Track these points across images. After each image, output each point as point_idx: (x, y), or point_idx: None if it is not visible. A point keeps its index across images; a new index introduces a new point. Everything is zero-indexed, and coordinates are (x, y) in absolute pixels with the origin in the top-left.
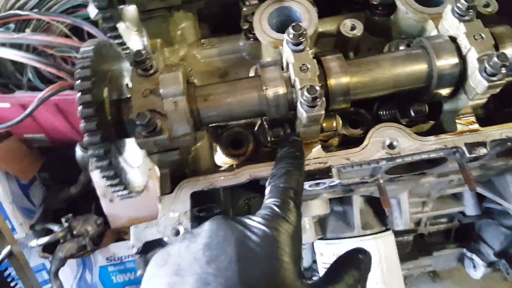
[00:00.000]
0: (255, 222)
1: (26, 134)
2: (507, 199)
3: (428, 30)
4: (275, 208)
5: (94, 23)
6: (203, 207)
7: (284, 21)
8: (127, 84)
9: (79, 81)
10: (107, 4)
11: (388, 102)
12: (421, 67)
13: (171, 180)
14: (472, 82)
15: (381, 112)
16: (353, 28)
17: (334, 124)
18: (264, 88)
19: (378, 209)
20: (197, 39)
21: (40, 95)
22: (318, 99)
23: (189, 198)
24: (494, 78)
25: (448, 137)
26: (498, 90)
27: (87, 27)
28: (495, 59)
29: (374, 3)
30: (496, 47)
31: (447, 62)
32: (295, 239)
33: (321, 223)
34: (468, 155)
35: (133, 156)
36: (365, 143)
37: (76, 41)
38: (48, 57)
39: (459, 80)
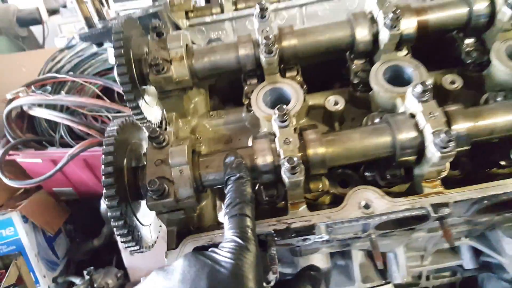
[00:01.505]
0: (223, 256)
1: (55, 187)
2: (500, 253)
3: (397, 106)
4: (237, 239)
5: None
6: None
7: (277, 99)
8: (144, 153)
9: (103, 156)
10: (131, 87)
11: (371, 165)
12: (385, 139)
13: (178, 236)
14: (428, 153)
15: (366, 174)
16: (336, 103)
17: (321, 186)
18: (255, 157)
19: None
20: (207, 111)
21: (70, 151)
22: (296, 167)
23: None
24: (445, 150)
25: (416, 198)
26: (450, 159)
27: (117, 88)
28: (443, 135)
29: (354, 82)
30: (449, 124)
31: (406, 135)
32: (256, 264)
33: (325, 277)
34: (433, 215)
35: (146, 215)
36: (343, 203)
37: (106, 102)
38: (80, 115)
39: (420, 150)
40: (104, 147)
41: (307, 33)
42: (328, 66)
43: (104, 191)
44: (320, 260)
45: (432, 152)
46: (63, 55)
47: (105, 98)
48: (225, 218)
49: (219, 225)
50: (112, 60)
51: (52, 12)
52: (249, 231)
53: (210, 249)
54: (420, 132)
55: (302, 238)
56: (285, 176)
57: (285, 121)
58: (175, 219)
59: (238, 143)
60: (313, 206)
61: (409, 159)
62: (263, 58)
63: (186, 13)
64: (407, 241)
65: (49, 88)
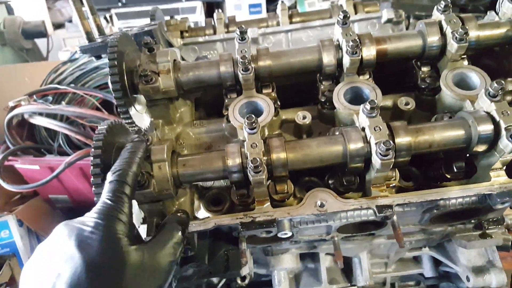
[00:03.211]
0: (89, 217)
1: (51, 194)
2: (455, 262)
3: (355, 121)
4: (108, 201)
5: None
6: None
7: (252, 111)
8: None
9: (92, 149)
10: (122, 95)
11: (333, 173)
12: (338, 148)
13: (157, 226)
14: (373, 160)
15: (329, 181)
16: (304, 117)
17: (286, 188)
18: (226, 159)
19: (345, 267)
20: (191, 120)
21: (67, 159)
22: (259, 167)
23: None
24: (385, 158)
25: (364, 200)
26: (390, 166)
27: None
28: (383, 145)
29: (322, 100)
30: (392, 137)
31: (355, 145)
32: (126, 219)
33: (296, 279)
34: (378, 215)
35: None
36: (302, 202)
37: (105, 114)
38: (79, 126)
39: (367, 159)
40: (94, 142)
41: (281, 55)
42: (305, 87)
43: (92, 179)
44: (290, 260)
45: (375, 160)
46: (66, 67)
47: (104, 110)
48: (105, 183)
49: (194, 219)
50: None
51: (58, 26)
52: (124, 196)
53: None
54: (367, 142)
55: (265, 230)
56: (250, 175)
57: (254, 128)
58: (155, 209)
59: (217, 149)
60: (279, 206)
61: (358, 165)
62: (240, 75)
63: (182, 33)
64: (370, 247)
65: (50, 98)
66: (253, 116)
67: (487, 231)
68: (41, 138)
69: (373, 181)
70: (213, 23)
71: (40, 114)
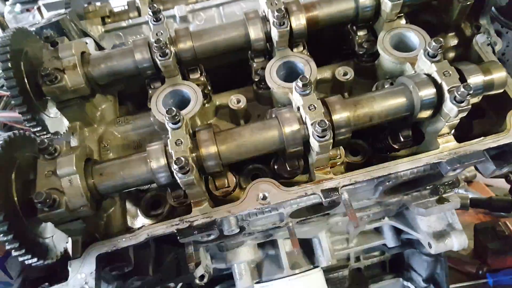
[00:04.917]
0: None
1: None
2: (416, 230)
3: (291, 101)
4: None
5: None
6: (115, 266)
7: (179, 101)
8: None
9: None
10: (22, 100)
11: (277, 158)
12: (273, 133)
13: (83, 245)
14: (310, 143)
15: (275, 167)
16: (238, 101)
17: (226, 182)
18: (149, 161)
19: (306, 249)
20: (115, 117)
21: None
22: (186, 167)
23: (95, 260)
24: (323, 139)
25: (308, 186)
26: (329, 148)
27: None
28: (318, 126)
29: (255, 80)
30: (329, 114)
31: (291, 128)
32: None
33: (258, 268)
34: (324, 200)
35: (49, 227)
36: (243, 197)
37: None
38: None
39: (305, 142)
40: None
41: (203, 34)
42: (239, 66)
43: None
44: (247, 252)
45: (313, 142)
46: None
47: None
48: None
49: (127, 231)
50: None
51: None
52: None
53: None
54: (303, 124)
55: (206, 234)
56: (177, 177)
57: (177, 122)
58: (76, 228)
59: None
60: (222, 202)
61: (297, 149)
62: (158, 61)
63: (103, 19)
64: (328, 226)
65: None
66: (173, 108)
67: (443, 196)
68: None
69: (315, 163)
70: (136, 4)
71: None
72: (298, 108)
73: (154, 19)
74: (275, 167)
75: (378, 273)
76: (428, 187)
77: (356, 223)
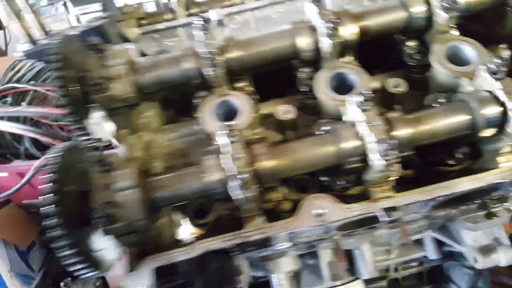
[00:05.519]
0: None
1: (25, 200)
2: (460, 243)
3: (342, 113)
4: None
5: None
6: (168, 279)
7: (227, 110)
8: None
9: (45, 185)
10: (75, 109)
11: (326, 170)
12: (329, 149)
13: (138, 256)
14: (371, 161)
15: (323, 179)
16: (287, 112)
17: (277, 195)
18: (201, 175)
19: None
20: (160, 124)
21: (37, 163)
22: (246, 184)
23: (150, 274)
24: (387, 158)
25: (366, 204)
26: (393, 167)
27: None
28: (384, 144)
29: (302, 90)
30: (389, 131)
31: (348, 145)
32: None
33: (297, 277)
34: (385, 219)
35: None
36: (297, 212)
37: None
38: (45, 126)
39: (363, 158)
40: (46, 175)
41: (250, 44)
42: (280, 73)
43: (47, 221)
44: (288, 263)
45: (375, 161)
46: (23, 63)
47: None
48: None
49: (177, 243)
50: None
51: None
52: None
53: None
54: (362, 140)
55: (262, 250)
56: (236, 193)
57: (234, 136)
58: (130, 241)
59: (195, 156)
60: (272, 214)
61: (355, 166)
62: (208, 72)
63: (138, 20)
64: (372, 238)
65: (9, 99)
66: (232, 123)
67: (491, 210)
68: (5, 143)
69: (374, 181)
70: (170, 6)
71: (1, 118)
72: (353, 123)
73: (202, 28)
74: (322, 179)
75: (416, 284)
76: (476, 202)
77: (408, 239)
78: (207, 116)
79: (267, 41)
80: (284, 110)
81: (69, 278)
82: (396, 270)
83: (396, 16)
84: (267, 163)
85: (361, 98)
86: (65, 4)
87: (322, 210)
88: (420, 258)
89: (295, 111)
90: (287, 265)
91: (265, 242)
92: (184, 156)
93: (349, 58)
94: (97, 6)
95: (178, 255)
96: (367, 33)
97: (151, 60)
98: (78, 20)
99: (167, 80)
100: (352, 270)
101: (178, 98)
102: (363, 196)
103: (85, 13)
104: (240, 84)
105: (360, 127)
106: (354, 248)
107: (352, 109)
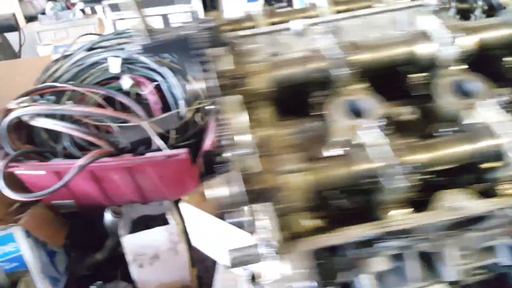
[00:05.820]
0: None
1: (55, 200)
2: None
3: (460, 116)
4: None
5: (126, 94)
6: None
7: (352, 110)
8: None
9: None
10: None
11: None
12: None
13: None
14: None
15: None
16: (409, 113)
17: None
18: (352, 165)
19: (430, 262)
20: (273, 120)
21: (80, 162)
22: (406, 174)
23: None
24: None
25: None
26: None
27: (120, 98)
28: None
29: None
30: None
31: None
32: None
33: (380, 278)
34: None
35: None
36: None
37: (113, 111)
38: (83, 125)
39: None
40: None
41: (374, 47)
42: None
43: None
44: (380, 262)
45: None
46: (60, 64)
47: (109, 107)
48: None
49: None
50: (113, 70)
51: (30, 19)
52: None
53: None
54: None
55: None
56: (394, 182)
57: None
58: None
59: (313, 151)
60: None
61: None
62: (333, 72)
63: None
64: (460, 242)
65: (52, 97)
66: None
67: None
68: (41, 141)
69: (504, 178)
70: (249, 14)
71: (39, 114)
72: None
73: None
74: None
75: None
76: None
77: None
78: (336, 113)
79: (389, 46)
80: (408, 111)
81: (100, 282)
82: (474, 275)
83: (506, 32)
84: (419, 156)
85: (504, 98)
86: (103, 9)
87: (458, 204)
88: (492, 265)
89: (419, 112)
90: (379, 264)
91: (407, 233)
92: (302, 151)
93: (462, 66)
94: (133, 13)
95: (332, 239)
96: (486, 45)
97: (286, 59)
98: (114, 25)
99: (297, 78)
100: (432, 272)
101: (281, 97)
102: (486, 194)
103: (121, 18)
104: (360, 86)
105: (497, 127)
106: (439, 250)
107: (485, 111)
